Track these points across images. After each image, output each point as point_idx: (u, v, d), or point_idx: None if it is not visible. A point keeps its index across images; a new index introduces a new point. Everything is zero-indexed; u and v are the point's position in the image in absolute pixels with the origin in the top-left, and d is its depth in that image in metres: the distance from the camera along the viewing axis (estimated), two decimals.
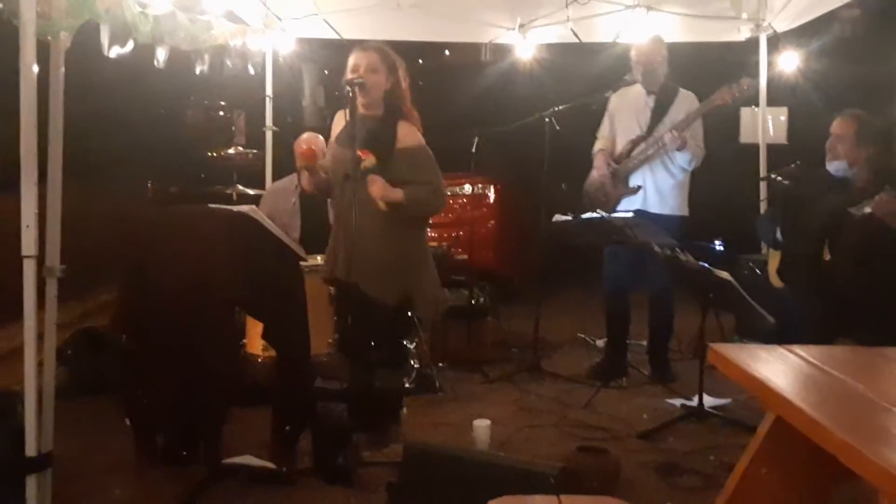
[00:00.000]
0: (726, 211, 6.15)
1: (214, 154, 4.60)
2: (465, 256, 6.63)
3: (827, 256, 3.81)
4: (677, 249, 4.10)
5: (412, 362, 4.98)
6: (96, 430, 3.98)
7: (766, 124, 6.00)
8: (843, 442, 1.31)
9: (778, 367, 1.81)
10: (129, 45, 3.58)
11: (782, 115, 6.20)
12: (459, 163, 5.75)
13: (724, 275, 3.85)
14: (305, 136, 4.80)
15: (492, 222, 7.82)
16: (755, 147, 6.07)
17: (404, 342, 4.25)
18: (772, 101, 6.07)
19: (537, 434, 4.25)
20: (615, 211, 5.00)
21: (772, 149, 6.13)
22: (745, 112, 6.26)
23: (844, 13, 7.80)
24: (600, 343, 5.86)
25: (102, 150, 5.26)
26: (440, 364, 5.49)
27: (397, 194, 3.64)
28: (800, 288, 3.90)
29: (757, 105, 6.04)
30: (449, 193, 7.76)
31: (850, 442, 1.30)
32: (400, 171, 3.70)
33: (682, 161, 4.91)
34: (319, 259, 4.10)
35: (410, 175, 3.73)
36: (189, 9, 4.29)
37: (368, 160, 3.62)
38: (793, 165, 4.09)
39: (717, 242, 4.80)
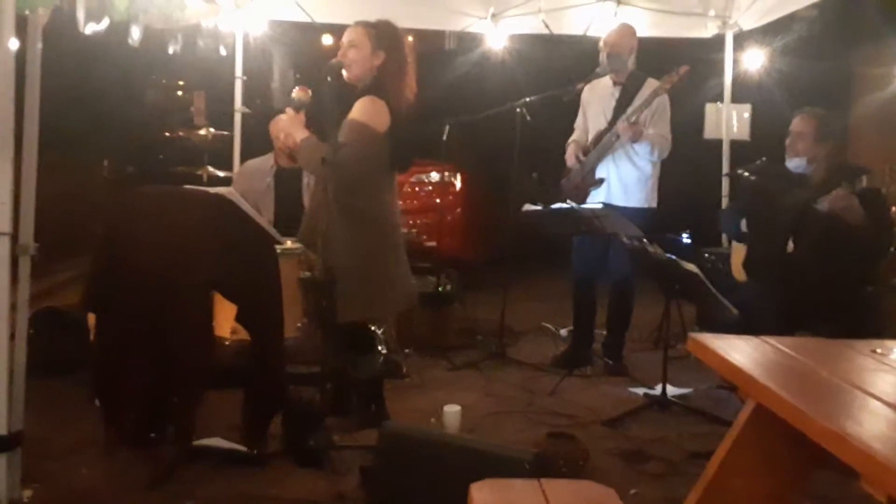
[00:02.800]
0: (689, 204, 6.25)
1: (172, 134, 4.54)
2: (434, 243, 6.64)
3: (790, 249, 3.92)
4: (645, 241, 4.18)
5: (380, 348, 5.01)
6: (63, 410, 3.95)
7: (730, 120, 6.11)
8: (824, 427, 1.37)
9: (755, 356, 1.87)
10: (105, 23, 3.54)
11: (746, 111, 6.32)
12: (430, 151, 5.75)
13: (692, 267, 3.94)
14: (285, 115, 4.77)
15: (458, 210, 7.88)
16: (719, 142, 6.19)
17: (372, 328, 4.24)
18: (736, 98, 6.18)
19: (505, 420, 4.31)
20: (585, 202, 5.07)
21: (735, 145, 6.26)
22: (709, 108, 6.37)
23: (803, 13, 8.00)
24: (563, 332, 5.94)
25: (63, 127, 5.17)
26: (406, 350, 5.53)
27: (299, 133, 3.59)
28: (764, 281, 3.99)
29: (721, 101, 6.15)
30: (415, 180, 7.89)
31: (831, 427, 1.36)
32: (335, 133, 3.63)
33: (644, 153, 4.96)
34: (290, 243, 4.08)
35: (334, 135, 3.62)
36: None
37: (301, 93, 3.63)
38: (758, 161, 4.18)
39: (684, 235, 4.88)
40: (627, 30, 5.10)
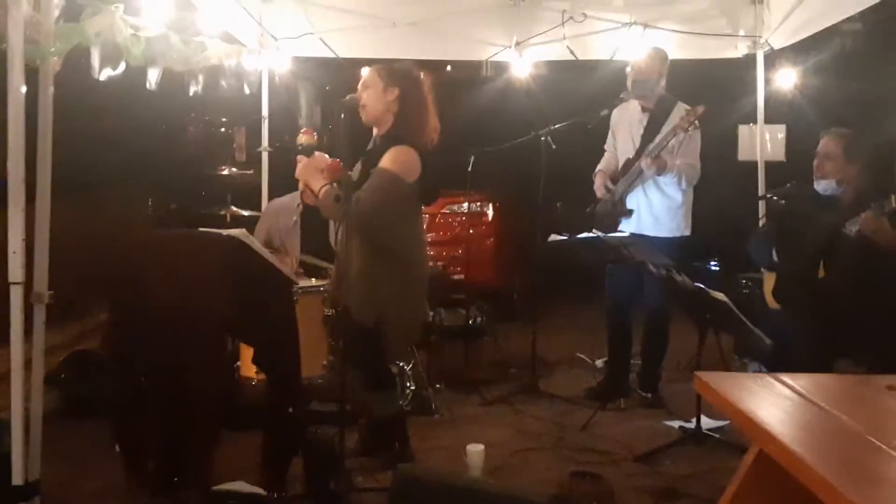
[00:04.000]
0: (726, 228, 6.10)
1: (213, 172, 4.57)
2: (462, 276, 6.57)
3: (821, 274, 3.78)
4: (672, 269, 4.07)
5: (408, 384, 4.96)
6: (87, 454, 3.95)
7: (764, 141, 5.96)
8: (824, 480, 1.28)
9: (763, 398, 1.77)
10: (121, 67, 3.58)
11: (780, 132, 6.17)
12: (456, 181, 5.71)
13: (720, 295, 3.82)
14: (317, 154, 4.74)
15: (490, 240, 7.80)
16: (754, 164, 6.04)
17: (390, 364, 4.18)
18: (770, 119, 6.03)
19: (533, 458, 4.21)
20: (615, 231, 4.98)
21: (770, 166, 6.10)
22: (742, 129, 6.23)
23: (845, 27, 7.82)
24: (599, 363, 5.81)
25: (98, 169, 5.24)
26: (437, 385, 5.46)
27: (314, 186, 3.55)
28: (795, 308, 3.86)
29: (755, 122, 6.00)
30: (447, 212, 7.85)
31: (830, 480, 1.26)
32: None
33: (670, 182, 4.86)
34: (314, 281, 4.06)
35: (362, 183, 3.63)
36: (183, 30, 4.29)
37: (306, 138, 3.60)
38: (788, 185, 4.06)
39: (712, 262, 4.75)
40: (657, 55, 5.01)
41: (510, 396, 5.29)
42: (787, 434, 1.47)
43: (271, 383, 3.40)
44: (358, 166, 3.82)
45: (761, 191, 5.92)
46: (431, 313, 5.50)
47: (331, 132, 3.78)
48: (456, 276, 6.60)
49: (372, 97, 3.70)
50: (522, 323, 7.59)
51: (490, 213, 7.82)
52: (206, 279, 3.12)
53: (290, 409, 3.37)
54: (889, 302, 3.59)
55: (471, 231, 7.86)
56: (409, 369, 5.03)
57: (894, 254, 3.59)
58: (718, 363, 5.59)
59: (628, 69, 5.03)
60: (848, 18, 5.38)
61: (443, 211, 7.74)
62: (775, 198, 3.96)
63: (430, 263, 5.85)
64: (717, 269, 4.72)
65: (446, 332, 5.70)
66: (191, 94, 4.37)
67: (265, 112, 5.91)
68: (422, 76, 3.78)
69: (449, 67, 8.22)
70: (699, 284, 3.90)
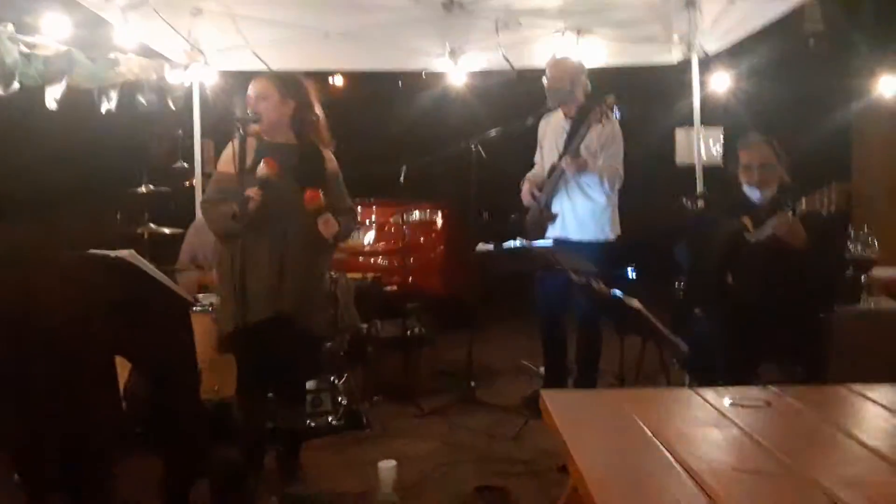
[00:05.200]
0: (664, 232, 6.06)
1: (129, 190, 4.50)
2: (395, 287, 6.52)
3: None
4: (590, 278, 4.02)
5: (339, 398, 4.90)
6: None
7: (700, 145, 5.93)
8: None
9: (588, 423, 1.73)
10: (14, 87, 3.51)
11: (718, 135, 6.14)
12: (390, 192, 5.68)
13: (635, 302, 3.76)
14: None
15: (440, 248, 7.77)
16: (691, 168, 6.01)
17: (304, 379, 4.14)
18: (707, 122, 6.00)
19: (454, 471, 4.15)
20: (544, 238, 4.95)
21: (708, 170, 6.07)
22: (679, 133, 6.19)
23: (810, 26, 7.82)
24: (543, 370, 5.77)
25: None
26: (375, 398, 5.40)
27: (334, 227, 3.68)
28: (708, 314, 3.82)
29: (692, 125, 5.97)
30: (396, 221, 7.80)
31: None
32: (331, 198, 3.74)
33: (592, 185, 4.82)
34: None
35: (337, 202, 3.82)
36: (93, 47, 4.24)
37: (317, 203, 3.60)
38: (702, 189, 4.02)
39: (629, 269, 4.72)
40: (564, 62, 5.00)
41: (447, 407, 5.24)
42: (590, 476, 1.42)
43: (167, 406, 3.33)
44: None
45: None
46: (366, 325, 5.45)
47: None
48: (389, 288, 6.52)
49: (269, 107, 3.67)
50: (480, 330, 7.57)
51: (439, 221, 7.79)
52: (93, 301, 3.05)
53: (192, 433, 3.29)
54: (800, 304, 3.55)
55: (421, 239, 7.85)
56: (341, 383, 4.98)
57: (805, 255, 3.56)
58: (660, 370, 5.57)
59: (543, 79, 5.01)
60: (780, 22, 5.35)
61: (391, 219, 7.70)
62: (689, 203, 3.90)
63: (362, 275, 5.83)
64: (634, 276, 4.66)
65: (384, 343, 5.65)
66: (103, 111, 4.28)
67: (197, 128, 5.84)
68: (310, 86, 3.80)
69: (401, 82, 8.20)
70: (615, 291, 3.85)
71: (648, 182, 5.13)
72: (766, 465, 1.48)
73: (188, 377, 3.30)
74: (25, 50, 3.53)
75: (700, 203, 3.94)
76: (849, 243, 3.74)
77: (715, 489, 1.33)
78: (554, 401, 1.82)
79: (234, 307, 3.51)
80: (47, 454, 3.25)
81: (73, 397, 3.10)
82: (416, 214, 7.81)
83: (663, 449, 1.50)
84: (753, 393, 1.92)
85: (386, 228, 7.72)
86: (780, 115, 5.88)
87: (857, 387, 2.09)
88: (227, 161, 3.65)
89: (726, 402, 1.81)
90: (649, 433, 1.62)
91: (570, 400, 1.80)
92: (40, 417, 3.19)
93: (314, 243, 3.73)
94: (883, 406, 1.89)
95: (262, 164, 3.58)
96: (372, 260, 7.68)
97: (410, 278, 7.61)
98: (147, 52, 4.99)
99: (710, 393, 1.90)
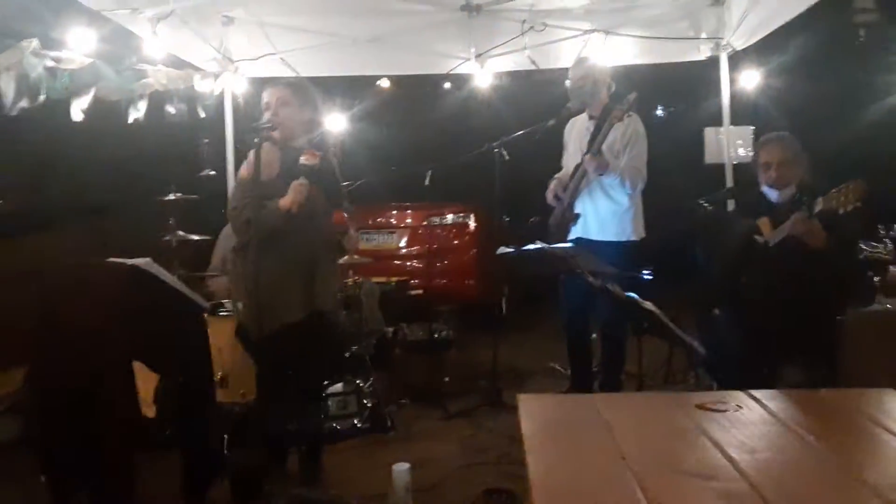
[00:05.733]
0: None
1: (158, 198, 4.61)
2: (421, 291, 6.55)
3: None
4: (606, 280, 4.01)
5: (365, 401, 4.96)
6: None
7: (730, 144, 5.86)
8: None
9: (556, 429, 1.74)
10: (40, 100, 3.64)
11: (748, 133, 6.05)
12: (417, 195, 5.71)
13: (650, 305, 3.75)
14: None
15: (473, 251, 7.77)
16: (721, 167, 5.94)
17: (325, 380, 4.21)
18: (736, 121, 5.93)
19: (471, 473, 4.17)
20: (567, 240, 4.94)
21: (742, 168, 5.99)
22: (708, 132, 6.11)
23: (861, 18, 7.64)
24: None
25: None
26: (402, 401, 5.46)
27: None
28: (723, 315, 3.79)
29: (721, 125, 5.90)
30: (429, 223, 7.86)
31: None
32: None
33: (614, 185, 4.80)
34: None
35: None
36: (120, 59, 4.36)
37: (308, 158, 3.64)
38: (724, 190, 3.98)
39: (645, 271, 4.68)
40: (586, 63, 4.98)
41: (473, 410, 5.26)
42: (538, 479, 1.44)
43: (184, 410, 3.42)
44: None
45: None
46: (391, 328, 5.49)
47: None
48: (430, 288, 6.55)
49: (290, 115, 3.74)
50: (509, 332, 7.59)
51: (472, 224, 7.80)
52: (111, 307, 3.14)
53: (208, 436, 3.38)
54: (817, 306, 3.50)
55: (455, 242, 7.88)
56: (367, 386, 5.03)
57: (825, 256, 3.51)
58: (688, 370, 5.53)
59: (566, 81, 5.01)
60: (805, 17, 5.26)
61: (424, 223, 7.75)
62: (706, 204, 3.86)
63: (387, 278, 5.89)
64: (650, 277, 4.62)
65: (411, 346, 5.69)
66: (130, 120, 4.40)
67: (230, 135, 5.96)
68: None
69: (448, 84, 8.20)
70: (631, 294, 3.84)
71: (677, 181, 5.08)
72: (716, 469, 1.48)
73: (204, 380, 3.38)
74: (51, 64, 3.64)
75: (707, 205, 3.89)
76: (861, 244, 3.68)
77: (655, 494, 1.34)
78: (527, 405, 1.84)
79: (257, 312, 3.56)
80: (69, 455, 3.36)
81: (92, 400, 3.20)
82: (450, 218, 7.84)
83: (621, 455, 1.52)
84: (730, 397, 1.91)
85: (419, 231, 7.76)
86: (812, 111, 5.76)
87: (851, 392, 2.07)
88: (251, 168, 3.70)
89: (696, 407, 1.81)
90: (614, 439, 1.64)
91: (546, 404, 1.82)
92: (63, 419, 3.31)
93: (331, 247, 3.81)
94: (864, 413, 1.87)
95: (304, 156, 3.65)
96: (406, 263, 7.73)
97: (444, 281, 7.67)
98: (177, 62, 5.10)
99: (685, 398, 1.91)
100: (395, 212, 7.89)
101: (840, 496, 1.35)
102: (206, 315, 4.48)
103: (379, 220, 7.85)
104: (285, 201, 3.61)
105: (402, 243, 7.81)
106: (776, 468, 1.49)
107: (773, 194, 3.89)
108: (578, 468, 1.53)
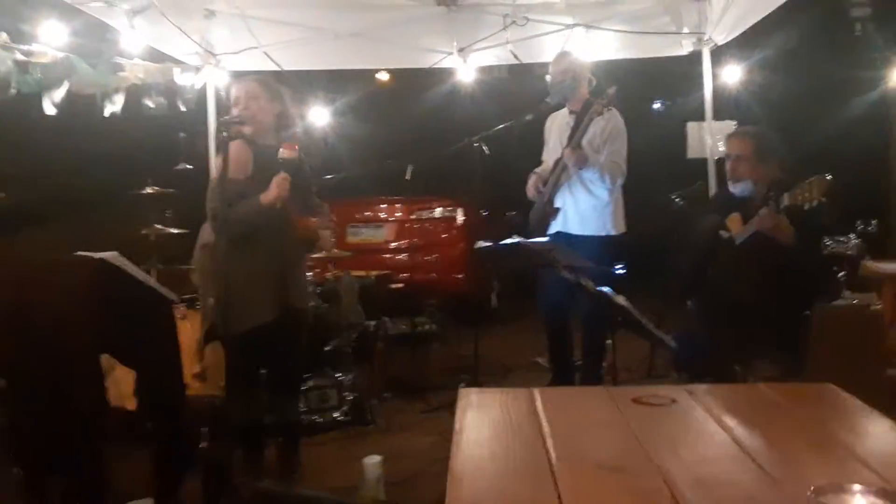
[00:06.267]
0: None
1: (133, 192, 4.62)
2: (402, 284, 6.56)
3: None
4: (580, 275, 4.02)
5: (345, 395, 4.98)
6: None
7: (713, 139, 5.85)
8: None
9: (488, 422, 1.75)
10: (11, 93, 3.64)
11: (729, 128, 6.02)
12: (399, 189, 5.72)
13: (622, 300, 3.76)
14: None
15: (461, 244, 7.79)
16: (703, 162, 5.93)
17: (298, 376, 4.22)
18: (718, 116, 5.92)
19: (447, 467, 4.17)
20: (547, 234, 4.96)
21: (721, 163, 5.98)
22: (691, 127, 6.11)
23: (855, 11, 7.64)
24: None
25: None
26: (385, 394, 5.47)
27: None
28: (692, 310, 3.80)
29: (703, 119, 5.89)
30: (417, 217, 7.88)
31: None
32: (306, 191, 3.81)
33: (594, 180, 4.81)
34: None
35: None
36: (97, 52, 4.36)
37: (288, 152, 3.61)
38: (696, 185, 3.98)
39: (617, 266, 4.70)
40: (566, 58, 4.99)
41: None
42: (457, 471, 1.44)
43: (154, 403, 3.43)
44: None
45: (712, 189, 5.82)
46: (373, 322, 5.50)
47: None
48: (395, 286, 6.57)
49: (259, 109, 3.74)
50: (497, 327, 7.60)
51: (460, 217, 7.81)
52: (78, 300, 3.16)
53: (179, 428, 3.39)
54: (783, 301, 3.50)
55: (443, 236, 7.90)
56: (348, 379, 5.05)
57: (791, 251, 3.51)
58: (671, 365, 5.54)
59: (547, 77, 5.01)
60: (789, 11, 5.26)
61: (412, 217, 7.76)
62: (678, 199, 3.87)
63: (366, 272, 5.90)
64: (623, 272, 4.63)
65: (394, 339, 5.70)
66: (106, 114, 4.41)
67: (212, 130, 5.95)
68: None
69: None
70: (603, 288, 3.85)
71: (659, 176, 5.08)
72: (631, 463, 1.50)
73: (173, 373, 3.40)
74: (21, 58, 3.65)
75: (678, 199, 3.89)
76: (826, 239, 3.69)
77: (565, 486, 1.35)
78: (466, 398, 1.86)
79: (227, 311, 3.55)
80: (41, 447, 3.38)
81: (60, 393, 3.22)
82: (438, 211, 7.86)
83: (545, 448, 1.53)
84: (668, 392, 1.92)
85: (407, 225, 7.78)
86: (797, 105, 5.76)
87: (791, 386, 2.08)
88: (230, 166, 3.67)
89: (633, 401, 1.82)
90: (543, 432, 1.65)
91: (484, 398, 1.84)
92: (33, 411, 3.32)
93: (304, 244, 3.82)
94: (800, 407, 1.88)
95: (283, 149, 3.62)
96: (394, 256, 7.75)
97: (432, 275, 7.69)
98: (157, 56, 5.10)
99: (624, 392, 1.92)
100: (383, 205, 7.90)
101: (755, 493, 1.36)
102: (184, 308, 4.53)
103: (366, 213, 7.87)
104: (267, 196, 3.57)
105: (390, 237, 7.83)
106: (693, 463, 1.50)
107: (734, 188, 3.91)
108: (498, 460, 1.55)
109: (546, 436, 1.65)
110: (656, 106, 11.25)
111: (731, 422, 1.72)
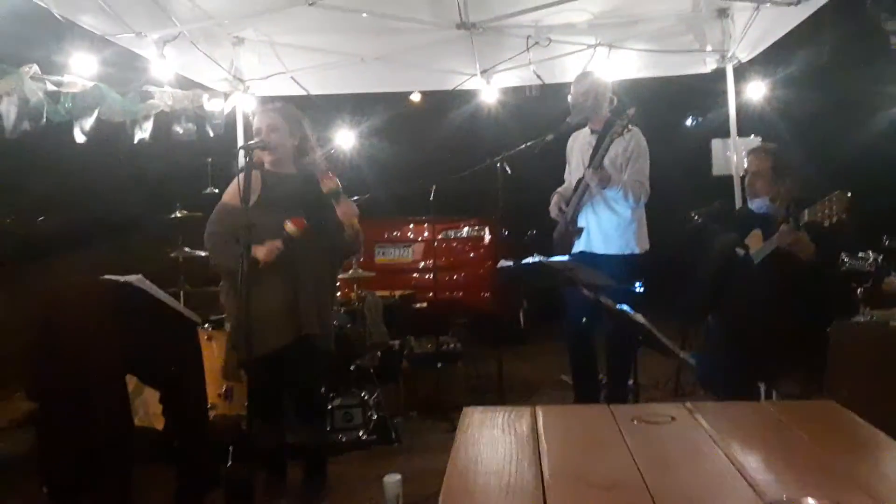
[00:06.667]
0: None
1: (163, 216, 4.74)
2: (425, 304, 6.59)
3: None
4: (600, 293, 4.03)
5: (370, 414, 5.02)
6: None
7: (737, 156, 5.83)
8: None
9: (488, 439, 1.78)
10: (42, 123, 3.76)
11: (754, 145, 6.01)
12: (423, 209, 5.77)
13: (640, 318, 3.76)
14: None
15: (489, 263, 7.81)
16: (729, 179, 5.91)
17: (322, 392, 4.25)
18: (743, 132, 5.91)
19: None
20: (571, 254, 4.98)
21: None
22: (715, 144, 6.10)
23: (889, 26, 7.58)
24: None
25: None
26: (411, 413, 5.51)
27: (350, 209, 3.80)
28: (712, 328, 3.79)
29: (728, 136, 5.88)
30: (444, 237, 7.92)
31: None
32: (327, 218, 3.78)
33: (617, 199, 4.82)
34: None
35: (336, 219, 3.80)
36: (126, 82, 4.49)
37: (294, 228, 3.65)
38: (715, 203, 3.99)
39: (636, 284, 4.69)
40: (588, 78, 5.02)
41: None
42: (450, 484, 1.47)
43: (177, 423, 3.50)
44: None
45: (738, 205, 5.80)
46: (398, 341, 5.55)
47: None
48: (418, 305, 6.61)
49: (280, 139, 3.82)
50: (524, 346, 7.61)
51: (487, 236, 7.85)
52: (104, 322, 3.24)
53: (202, 448, 3.46)
54: (803, 319, 3.49)
55: (471, 255, 7.94)
56: (373, 398, 5.10)
57: (812, 267, 3.50)
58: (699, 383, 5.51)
59: (569, 97, 5.04)
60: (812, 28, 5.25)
61: (439, 237, 7.81)
62: (697, 217, 3.88)
63: (390, 292, 5.95)
64: (641, 290, 4.62)
65: (419, 358, 5.74)
66: (136, 141, 4.52)
67: (242, 155, 6.05)
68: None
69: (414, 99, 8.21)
70: (622, 306, 3.86)
71: (684, 194, 5.08)
72: (622, 482, 1.51)
73: (196, 394, 3.46)
74: (52, 88, 3.77)
75: (696, 217, 3.89)
76: (844, 256, 3.67)
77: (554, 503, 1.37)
78: (468, 416, 1.89)
79: (245, 334, 3.59)
80: (68, 467, 3.46)
81: (87, 413, 3.30)
82: (465, 231, 7.91)
83: (538, 465, 1.56)
84: (669, 410, 1.93)
85: (435, 245, 7.83)
86: (821, 121, 5.73)
87: (794, 404, 2.08)
88: (233, 193, 3.74)
89: (632, 418, 1.83)
90: (541, 450, 1.67)
91: (486, 416, 1.86)
92: (60, 432, 3.41)
93: (321, 265, 3.85)
94: (801, 426, 1.87)
95: (289, 223, 3.64)
96: (421, 276, 7.80)
97: (459, 294, 7.73)
98: (186, 83, 5.22)
99: (627, 410, 1.93)
100: (410, 225, 7.97)
101: None
102: (210, 329, 4.62)
103: (395, 233, 7.94)
104: (258, 253, 3.59)
105: (418, 256, 7.88)
106: (685, 482, 1.51)
107: (752, 204, 3.91)
108: (492, 477, 1.57)
109: (543, 454, 1.67)
110: (689, 122, 11.30)
111: (729, 441, 1.73)
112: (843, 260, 3.70)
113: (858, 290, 3.66)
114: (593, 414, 1.96)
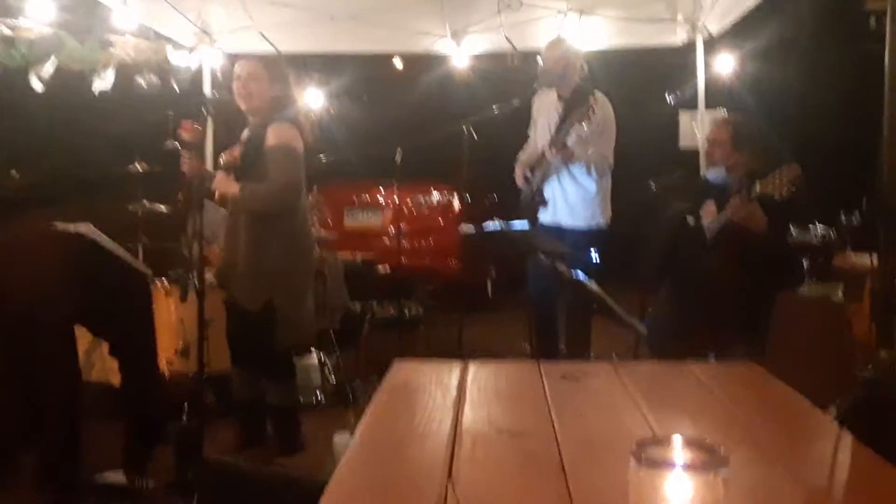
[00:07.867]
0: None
1: (122, 170, 4.68)
2: (388, 270, 6.58)
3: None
4: (556, 261, 4.04)
5: (327, 375, 5.03)
6: None
7: (704, 128, 5.84)
8: None
9: (414, 390, 1.79)
10: None
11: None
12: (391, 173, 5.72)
13: (594, 286, 3.78)
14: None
15: (458, 229, 7.79)
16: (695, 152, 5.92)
17: (293, 356, 4.26)
18: (712, 105, 5.91)
19: None
20: (538, 224, 4.99)
21: None
22: (683, 116, 6.10)
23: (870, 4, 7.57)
24: None
25: None
26: (370, 377, 5.51)
27: (233, 188, 3.75)
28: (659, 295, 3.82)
29: (695, 108, 5.88)
30: (414, 202, 7.89)
31: None
32: (264, 171, 3.75)
33: (580, 173, 4.81)
34: None
35: (269, 173, 3.75)
36: (88, 29, 4.40)
37: (186, 134, 3.67)
38: (675, 174, 4.00)
39: (593, 254, 4.70)
40: (559, 45, 4.99)
41: None
42: (365, 433, 1.48)
43: (127, 375, 3.48)
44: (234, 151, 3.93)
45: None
46: (360, 304, 5.54)
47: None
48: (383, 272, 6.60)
49: (258, 89, 3.78)
50: (495, 312, 7.62)
51: (456, 203, 7.83)
52: (50, 273, 3.20)
53: (152, 401, 3.45)
54: (749, 288, 3.52)
55: (440, 221, 7.92)
56: (332, 360, 5.10)
57: (762, 239, 3.53)
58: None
59: (539, 61, 5.01)
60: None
61: (408, 201, 7.79)
62: (654, 187, 3.89)
63: (351, 254, 5.94)
64: (598, 261, 4.63)
65: (379, 323, 5.74)
66: (95, 91, 4.44)
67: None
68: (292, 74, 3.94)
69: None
70: (577, 273, 3.87)
71: (651, 166, 5.08)
72: (532, 429, 1.53)
73: (146, 347, 3.44)
74: (7, 32, 3.69)
75: (654, 186, 3.91)
76: (791, 228, 3.70)
77: (461, 450, 1.38)
78: (397, 368, 1.89)
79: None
80: (13, 419, 3.43)
81: (32, 363, 3.27)
82: (434, 196, 7.89)
83: (452, 415, 1.57)
84: (596, 368, 1.95)
85: (404, 211, 7.80)
86: (787, 97, 5.74)
87: (718, 365, 2.09)
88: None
89: (561, 375, 1.85)
90: (457, 401, 1.69)
91: (416, 368, 1.88)
92: (2, 381, 3.37)
93: (261, 223, 3.82)
94: (720, 385, 1.89)
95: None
96: (389, 240, 7.78)
97: (427, 260, 7.72)
98: (151, 35, 5.13)
99: (555, 367, 1.95)
100: (381, 188, 7.93)
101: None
102: (168, 284, 4.59)
103: (363, 196, 7.91)
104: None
105: (387, 221, 7.86)
106: (593, 431, 1.54)
107: (709, 174, 3.93)
108: (402, 427, 1.58)
109: (460, 404, 1.68)
110: (669, 98, 11.27)
111: (645, 397, 1.75)
112: (790, 232, 3.73)
113: (805, 263, 3.69)
114: (524, 370, 1.98)
